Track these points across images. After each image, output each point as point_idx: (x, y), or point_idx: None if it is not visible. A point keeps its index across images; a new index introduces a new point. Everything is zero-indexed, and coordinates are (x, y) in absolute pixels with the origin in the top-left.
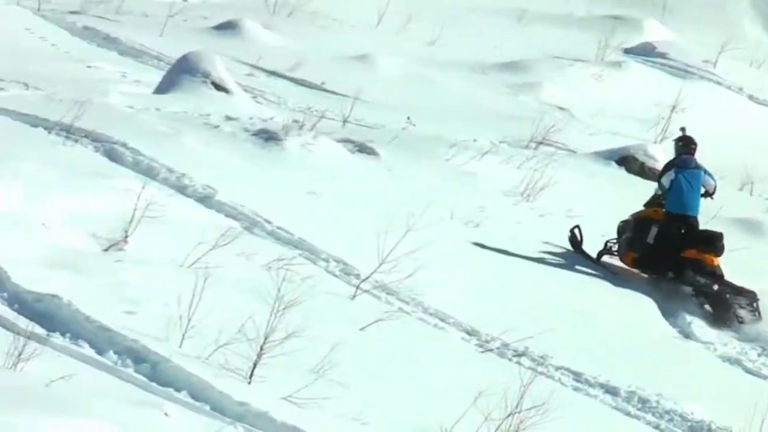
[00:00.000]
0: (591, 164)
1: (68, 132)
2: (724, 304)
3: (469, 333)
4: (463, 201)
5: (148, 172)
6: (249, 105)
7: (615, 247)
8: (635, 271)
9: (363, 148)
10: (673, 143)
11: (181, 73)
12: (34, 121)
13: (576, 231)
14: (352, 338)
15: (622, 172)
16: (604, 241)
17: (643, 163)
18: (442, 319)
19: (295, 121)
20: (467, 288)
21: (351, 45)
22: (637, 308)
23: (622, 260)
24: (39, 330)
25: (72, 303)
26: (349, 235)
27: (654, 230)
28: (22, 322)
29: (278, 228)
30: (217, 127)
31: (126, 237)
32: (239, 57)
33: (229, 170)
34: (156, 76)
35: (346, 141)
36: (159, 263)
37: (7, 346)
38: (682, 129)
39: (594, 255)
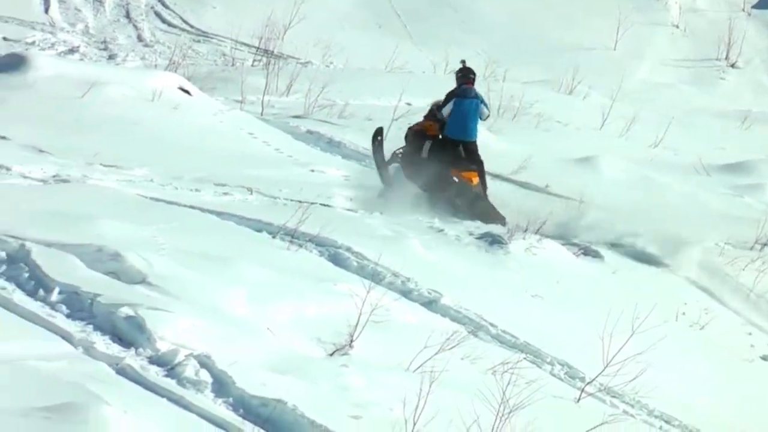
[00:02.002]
0: None
1: (292, 236)
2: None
3: None
4: (688, 302)
5: (373, 276)
6: None
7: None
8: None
9: (587, 251)
10: (454, 75)
11: None
12: (258, 226)
13: (380, 136)
14: None
15: None
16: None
17: None
18: (667, 422)
19: (519, 225)
20: (692, 390)
21: (574, 147)
22: None
23: (403, 171)
24: None
25: (297, 408)
26: (573, 337)
27: (428, 145)
28: (248, 427)
29: (503, 331)
30: (441, 230)
31: (351, 341)
32: None
33: (453, 274)
34: (379, 180)
35: (570, 244)
36: (384, 367)
37: None
38: (463, 61)
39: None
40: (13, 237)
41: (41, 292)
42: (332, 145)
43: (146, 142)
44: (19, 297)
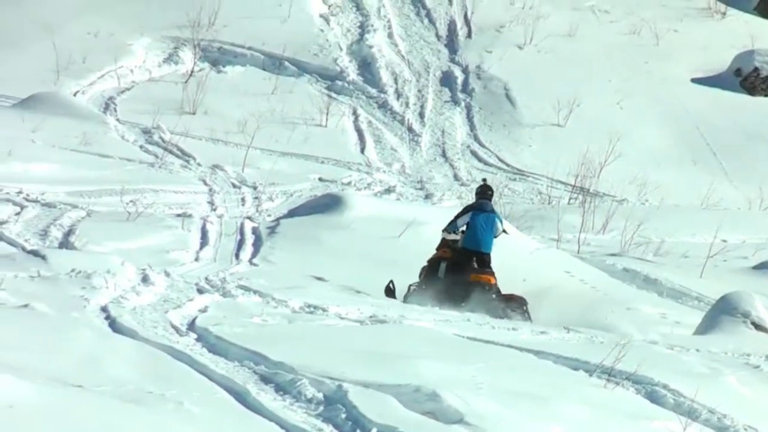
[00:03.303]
0: None
1: (609, 374)
2: (500, 311)
3: None
4: None
5: (689, 413)
6: None
7: (414, 289)
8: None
9: None
10: (474, 190)
11: (721, 313)
12: (575, 364)
13: (391, 285)
14: None
15: None
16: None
17: None
18: None
19: None
20: None
21: None
22: None
23: (420, 297)
24: None
25: None
26: None
27: (443, 266)
28: None
29: None
30: (757, 367)
31: None
32: None
33: None
34: (695, 317)
35: None
36: None
37: None
38: (484, 179)
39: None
40: (330, 378)
41: None
42: (648, 283)
43: None
44: None
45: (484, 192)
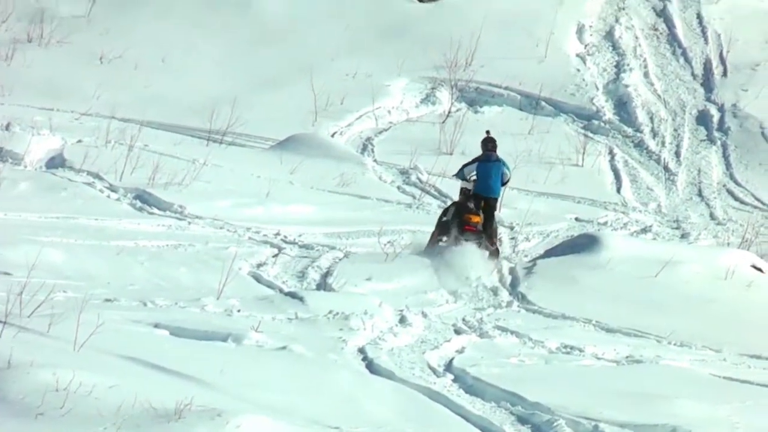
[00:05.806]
0: None
1: None
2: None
3: None
4: None
5: None
6: None
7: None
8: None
9: None
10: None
11: None
12: None
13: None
14: None
15: None
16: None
17: None
18: None
19: None
20: None
21: None
22: None
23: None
24: None
25: None
26: None
27: (452, 209)
28: None
29: None
30: None
31: None
32: None
33: None
34: None
35: None
36: None
37: None
38: (487, 132)
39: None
40: (586, 418)
41: None
42: None
43: (719, 321)
44: None
45: (486, 144)
